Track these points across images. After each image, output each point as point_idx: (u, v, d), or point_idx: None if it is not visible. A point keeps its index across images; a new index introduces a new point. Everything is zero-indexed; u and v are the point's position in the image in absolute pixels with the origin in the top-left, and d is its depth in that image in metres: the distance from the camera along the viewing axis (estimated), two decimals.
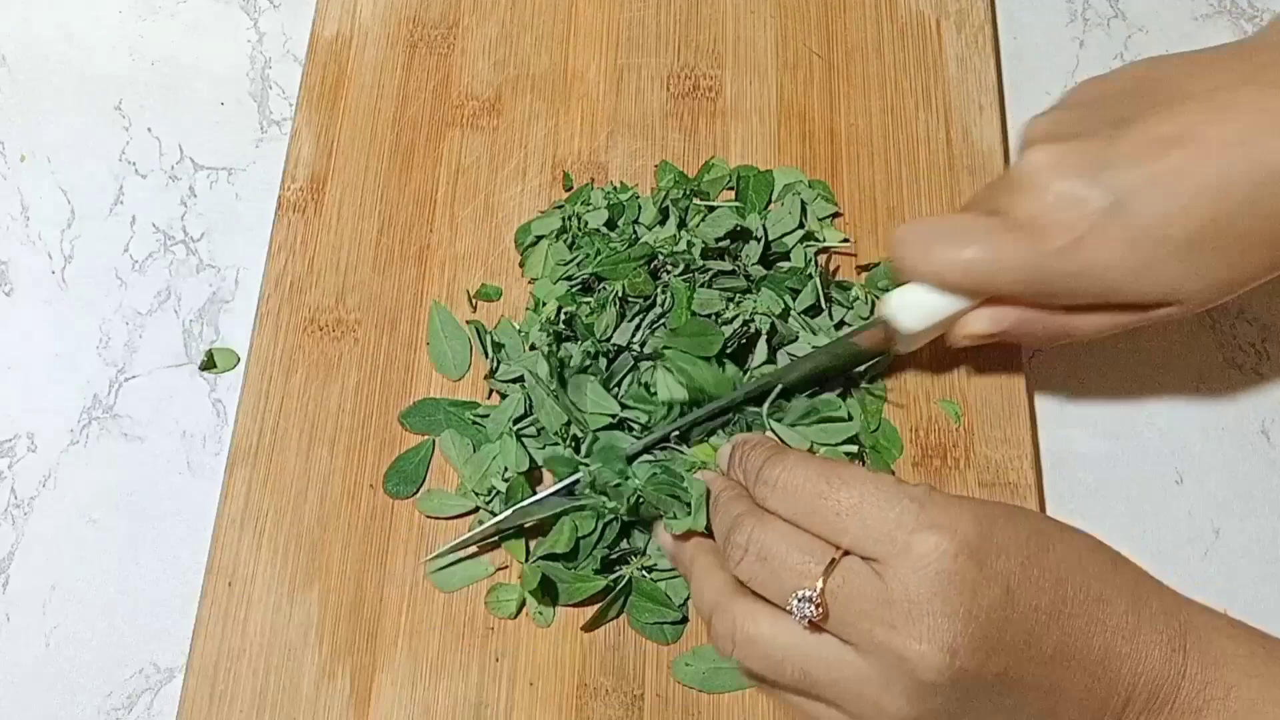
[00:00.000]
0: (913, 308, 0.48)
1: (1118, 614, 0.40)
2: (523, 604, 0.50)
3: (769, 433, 0.50)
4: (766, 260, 0.55)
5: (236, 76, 0.64)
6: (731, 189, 0.57)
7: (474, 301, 0.56)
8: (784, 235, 0.55)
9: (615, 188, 0.57)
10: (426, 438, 0.53)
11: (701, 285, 0.53)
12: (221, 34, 0.65)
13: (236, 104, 0.63)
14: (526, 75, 0.61)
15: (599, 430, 0.50)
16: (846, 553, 0.40)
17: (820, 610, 0.39)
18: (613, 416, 0.50)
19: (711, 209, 0.56)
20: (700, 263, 0.53)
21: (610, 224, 0.55)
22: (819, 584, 0.39)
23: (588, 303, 0.52)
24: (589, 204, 0.56)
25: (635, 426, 0.51)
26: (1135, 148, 0.43)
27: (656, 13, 0.62)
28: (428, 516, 0.52)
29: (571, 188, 0.58)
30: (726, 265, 0.53)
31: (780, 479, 0.42)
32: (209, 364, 0.56)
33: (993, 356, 0.54)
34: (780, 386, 0.50)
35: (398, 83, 0.61)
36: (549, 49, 0.62)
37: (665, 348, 0.51)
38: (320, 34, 0.62)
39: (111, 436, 0.55)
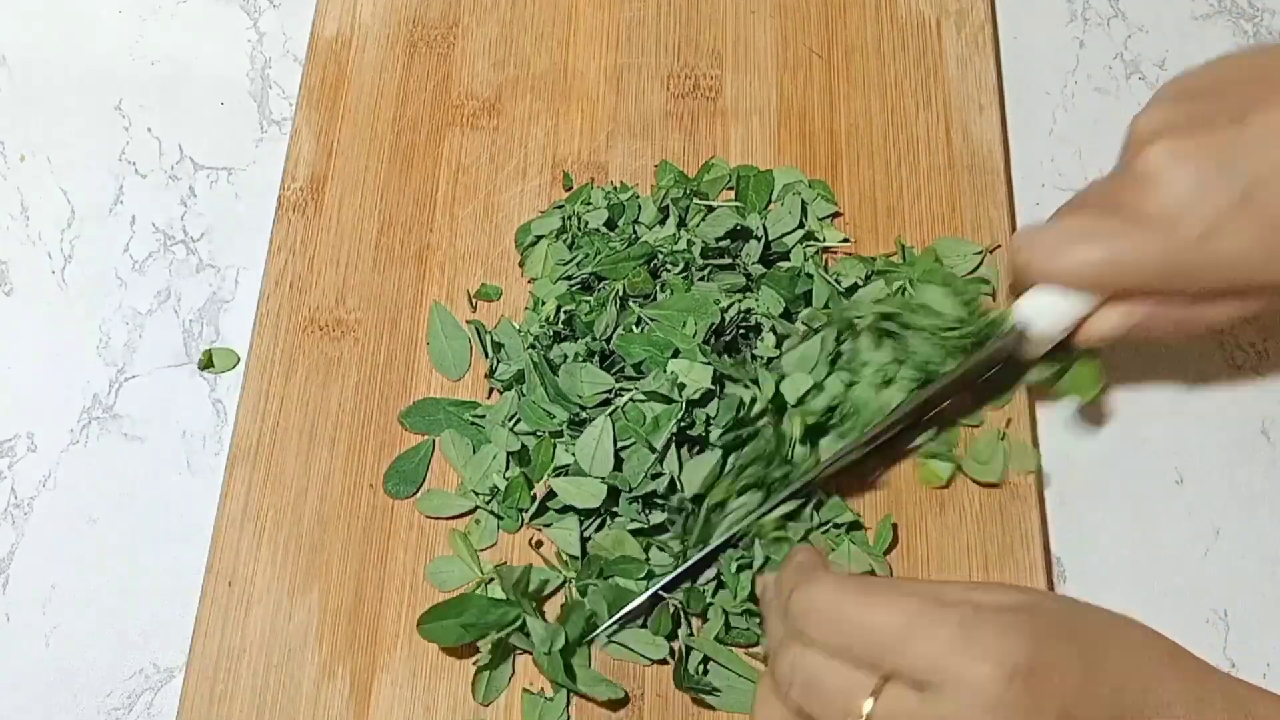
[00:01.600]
0: (1046, 313, 0.48)
1: (1181, 713, 0.38)
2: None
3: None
4: (766, 260, 0.55)
5: (236, 76, 0.64)
6: (731, 189, 0.57)
7: (474, 301, 0.56)
8: (784, 235, 0.55)
9: (615, 187, 0.57)
10: (426, 438, 0.53)
11: (700, 280, 0.52)
12: (221, 34, 0.65)
13: (236, 104, 0.63)
14: (526, 75, 0.61)
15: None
16: (891, 677, 0.38)
17: None
18: (608, 391, 0.50)
19: (711, 209, 0.56)
20: (700, 261, 0.53)
21: (610, 224, 0.55)
22: (867, 704, 0.38)
23: (587, 301, 0.52)
24: (589, 204, 0.56)
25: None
26: (1259, 137, 0.44)
27: (656, 13, 0.62)
28: (428, 517, 0.52)
29: (571, 187, 0.58)
30: (726, 262, 0.53)
31: (813, 608, 0.40)
32: (207, 363, 0.56)
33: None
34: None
35: (398, 83, 0.61)
36: (549, 49, 0.62)
37: (652, 317, 0.51)
38: (320, 34, 0.62)
39: (111, 436, 0.55)
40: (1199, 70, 0.48)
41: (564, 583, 0.50)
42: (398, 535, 0.51)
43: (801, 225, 0.56)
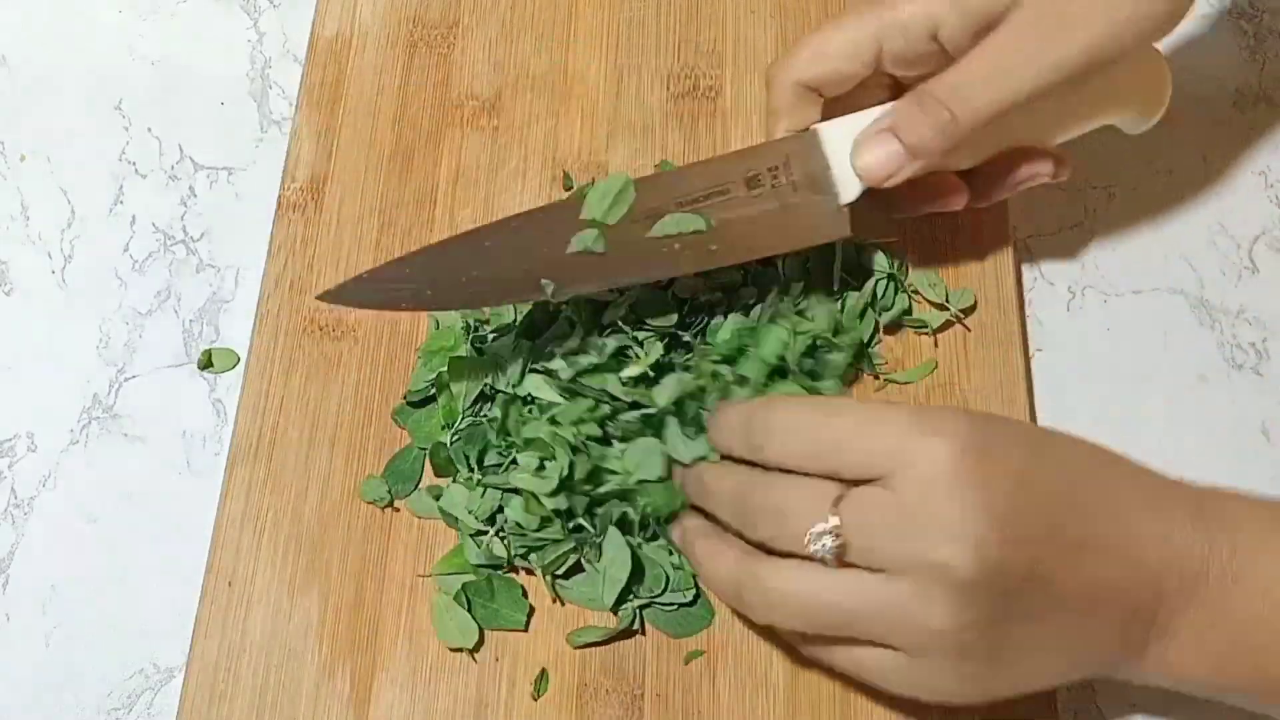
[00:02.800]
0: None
1: (1132, 498, 0.40)
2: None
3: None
4: (766, 260, 0.55)
5: (236, 76, 0.64)
6: None
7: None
8: None
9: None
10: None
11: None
12: (221, 34, 0.65)
13: (236, 104, 0.63)
14: (526, 75, 0.61)
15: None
16: (854, 483, 0.40)
17: (840, 541, 0.39)
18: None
19: None
20: None
21: None
22: (832, 518, 0.39)
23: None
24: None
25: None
26: None
27: (656, 13, 0.62)
28: (418, 516, 0.52)
29: (571, 187, 0.58)
30: None
31: (773, 423, 0.42)
32: (207, 363, 0.57)
33: (993, 353, 0.54)
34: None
35: (398, 83, 0.61)
36: (549, 49, 0.62)
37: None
38: (320, 34, 0.62)
39: (111, 436, 0.55)
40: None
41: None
42: (398, 535, 0.51)
43: None
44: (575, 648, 0.49)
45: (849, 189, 0.48)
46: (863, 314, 0.53)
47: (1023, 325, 0.55)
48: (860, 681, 0.43)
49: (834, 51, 0.47)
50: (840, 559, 0.39)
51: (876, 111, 0.47)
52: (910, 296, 0.54)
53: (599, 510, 0.49)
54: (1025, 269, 0.58)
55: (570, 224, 0.48)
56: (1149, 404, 0.55)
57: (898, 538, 0.38)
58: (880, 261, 0.54)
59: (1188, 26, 0.63)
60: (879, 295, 0.53)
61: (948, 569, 0.37)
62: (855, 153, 0.47)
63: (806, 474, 0.41)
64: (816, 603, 0.40)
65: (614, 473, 0.48)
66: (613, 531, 0.48)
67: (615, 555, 0.48)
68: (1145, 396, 0.55)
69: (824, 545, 0.39)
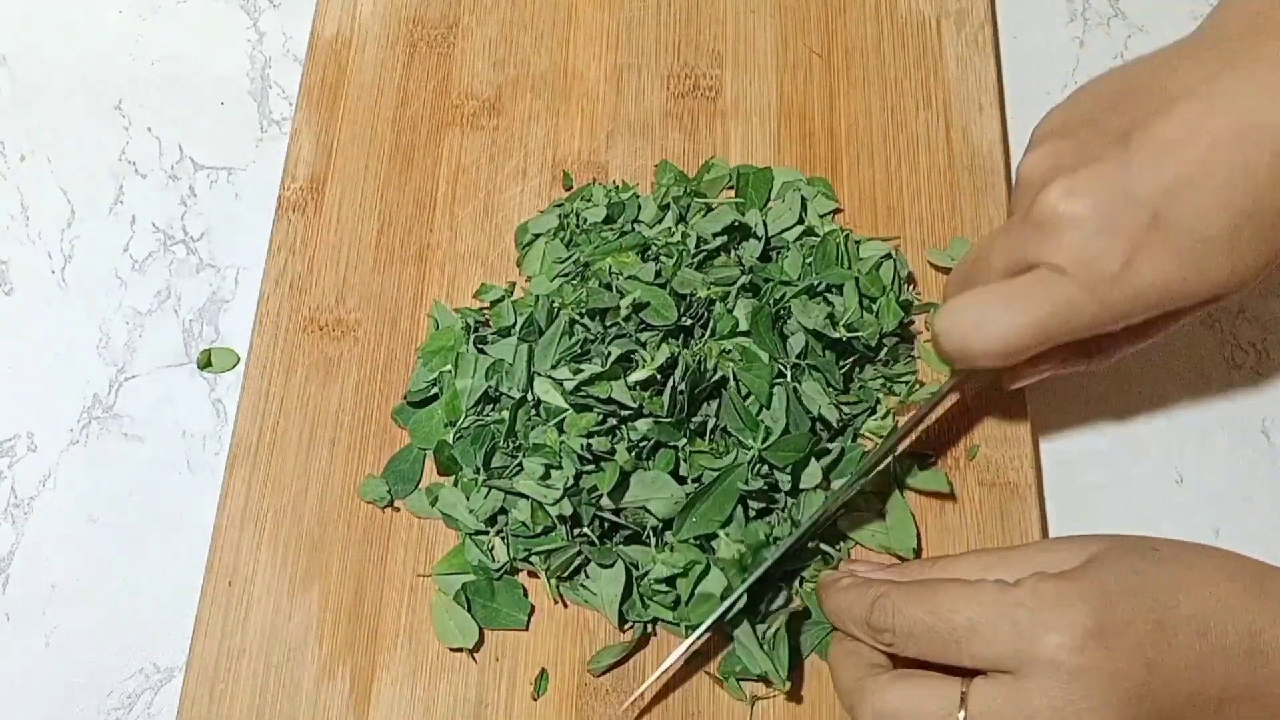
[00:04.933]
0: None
1: (1275, 636, 0.39)
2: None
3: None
4: (766, 257, 0.55)
5: (236, 76, 0.64)
6: (731, 188, 0.57)
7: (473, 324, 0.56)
8: (783, 230, 0.55)
9: (617, 186, 0.57)
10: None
11: (688, 266, 0.52)
12: (221, 34, 0.65)
13: (236, 104, 0.63)
14: (526, 75, 0.61)
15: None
16: (974, 675, 0.39)
17: None
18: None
19: (711, 208, 0.56)
20: (693, 250, 0.53)
21: (609, 220, 0.55)
22: (961, 717, 0.39)
23: (572, 283, 0.53)
24: (589, 200, 0.56)
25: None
26: (1150, 159, 0.43)
27: (656, 13, 0.62)
28: (418, 517, 0.52)
29: (571, 187, 0.58)
30: (718, 254, 0.53)
31: (897, 622, 0.42)
32: (206, 363, 0.57)
33: None
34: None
35: (398, 83, 0.61)
36: (549, 49, 0.62)
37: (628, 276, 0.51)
38: (320, 34, 0.62)
39: (111, 436, 0.55)
40: (1069, 103, 0.48)
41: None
42: (398, 535, 0.51)
43: (801, 221, 0.56)
44: (597, 674, 0.49)
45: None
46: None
47: None
48: None
49: (1017, 352, 0.46)
50: None
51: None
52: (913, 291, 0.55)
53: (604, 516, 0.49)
54: None
55: None
56: (1149, 404, 0.55)
57: None
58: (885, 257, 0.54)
59: (1188, 25, 0.63)
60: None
61: None
62: (1011, 376, 0.49)
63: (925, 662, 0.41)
64: None
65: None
66: (613, 551, 0.49)
67: (613, 574, 0.48)
68: (1145, 396, 0.55)
69: None
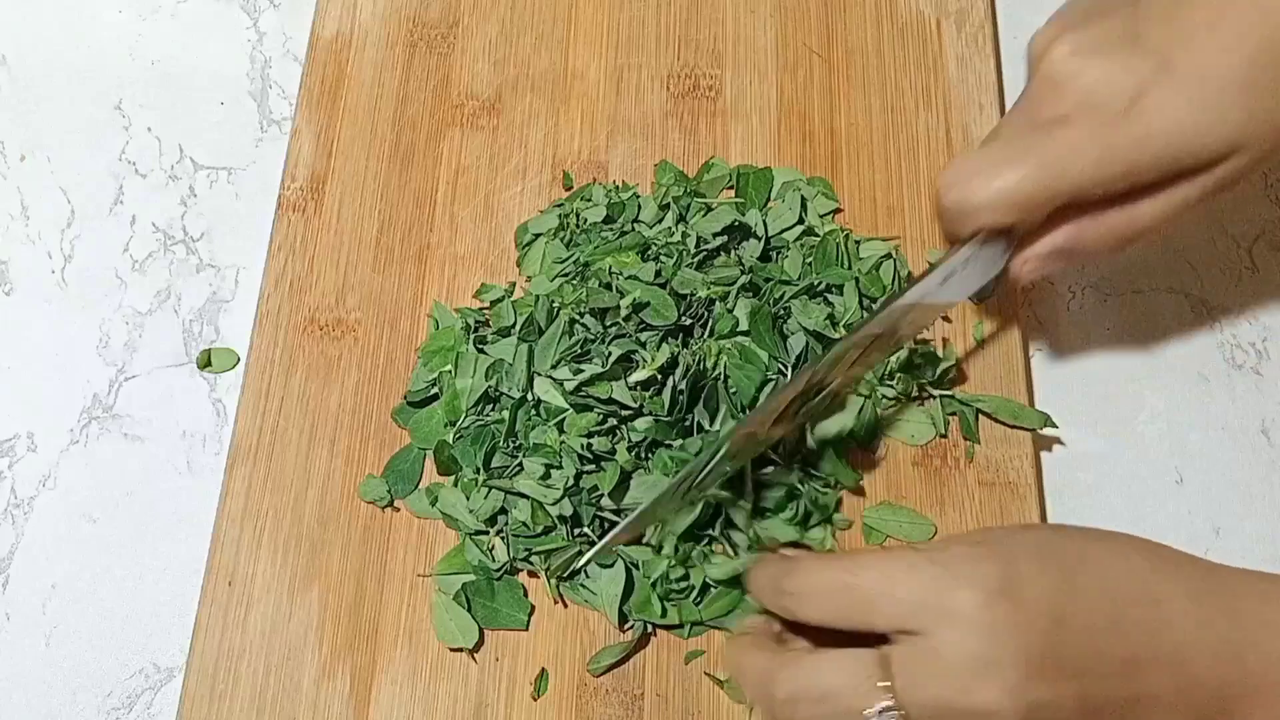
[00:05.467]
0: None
1: (1180, 607, 0.39)
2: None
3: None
4: (766, 256, 0.55)
5: (236, 76, 0.64)
6: (731, 188, 0.57)
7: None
8: (783, 230, 0.55)
9: (617, 186, 0.57)
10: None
11: (688, 266, 0.52)
12: (221, 34, 0.65)
13: (236, 104, 0.63)
14: (526, 75, 0.61)
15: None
16: (886, 640, 0.39)
17: (902, 713, 0.38)
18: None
19: (711, 208, 0.56)
20: (693, 250, 0.53)
21: (609, 220, 0.55)
22: (881, 684, 0.38)
23: (572, 283, 0.52)
24: (589, 200, 0.56)
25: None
26: (1161, 9, 0.42)
27: (656, 13, 0.62)
28: (417, 517, 0.52)
29: (571, 187, 0.58)
30: (718, 254, 0.53)
31: (801, 586, 0.41)
32: (206, 363, 0.57)
33: (993, 353, 0.54)
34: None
35: (398, 83, 0.61)
36: (549, 49, 0.62)
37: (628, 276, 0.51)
38: (320, 34, 0.62)
39: (111, 436, 0.55)
40: None
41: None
42: (398, 535, 0.51)
43: (801, 221, 0.56)
44: (597, 674, 0.49)
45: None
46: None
47: (1023, 325, 0.55)
48: None
49: (1020, 203, 0.44)
50: None
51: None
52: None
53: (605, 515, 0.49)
54: None
55: None
56: (1149, 404, 0.55)
57: (949, 694, 0.38)
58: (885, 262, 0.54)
59: None
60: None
61: (995, 715, 0.37)
62: (1019, 264, 0.47)
63: (838, 632, 0.41)
64: None
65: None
66: (613, 551, 0.49)
67: (613, 574, 0.48)
68: (1145, 396, 0.55)
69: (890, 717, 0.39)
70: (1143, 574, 0.40)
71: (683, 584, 0.48)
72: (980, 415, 0.52)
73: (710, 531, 0.49)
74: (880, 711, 0.38)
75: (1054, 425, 0.52)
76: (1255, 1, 0.41)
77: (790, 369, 0.50)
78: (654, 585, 0.48)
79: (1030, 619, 0.38)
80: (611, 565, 0.49)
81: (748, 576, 0.45)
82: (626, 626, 0.49)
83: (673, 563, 0.48)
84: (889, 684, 0.38)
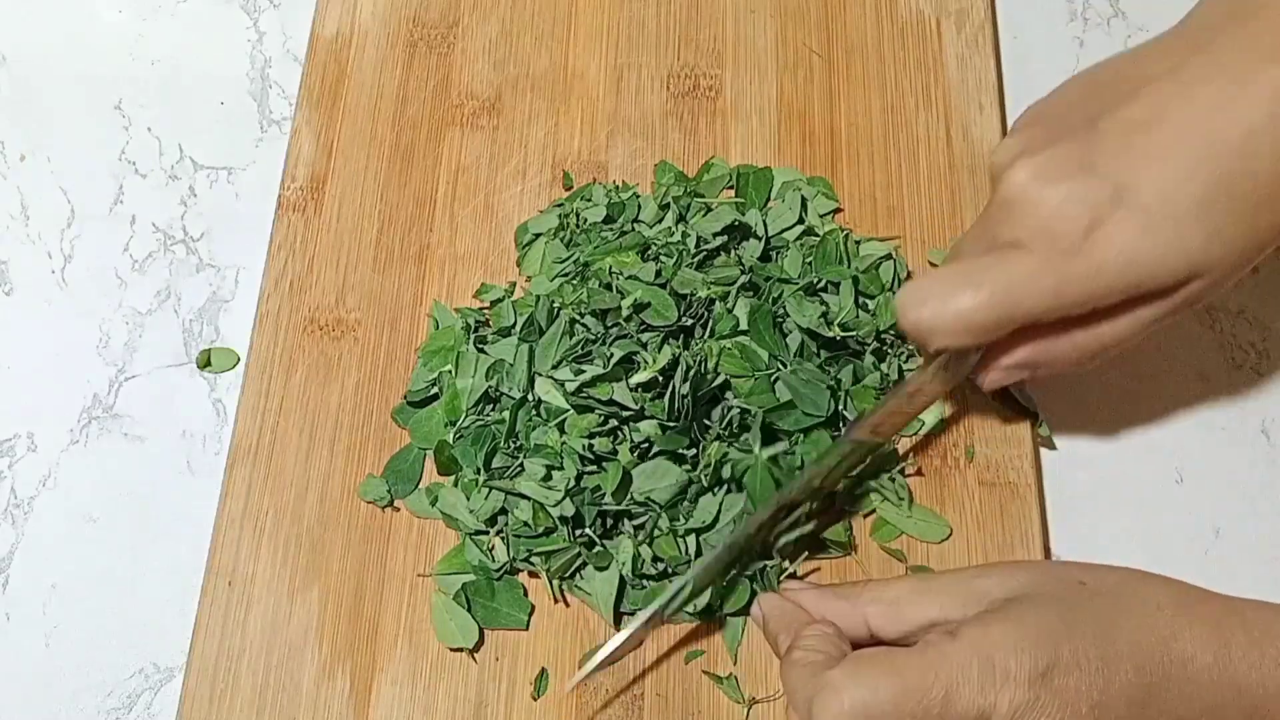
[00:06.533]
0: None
1: (1205, 665, 0.40)
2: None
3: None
4: (766, 257, 0.55)
5: (236, 76, 0.64)
6: (731, 188, 0.57)
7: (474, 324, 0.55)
8: (783, 231, 0.55)
9: (617, 186, 0.57)
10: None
11: (688, 266, 0.52)
12: (221, 34, 0.65)
13: (236, 104, 0.63)
14: (526, 75, 0.61)
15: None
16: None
17: None
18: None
19: (710, 208, 0.56)
20: (693, 250, 0.53)
21: (609, 220, 0.55)
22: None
23: (572, 283, 0.52)
24: (589, 199, 0.56)
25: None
26: (1117, 137, 0.42)
27: (656, 13, 0.62)
28: (417, 517, 0.52)
29: (571, 187, 0.58)
30: (719, 254, 0.53)
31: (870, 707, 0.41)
32: (205, 363, 0.57)
33: None
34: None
35: (398, 82, 0.61)
36: (549, 49, 0.62)
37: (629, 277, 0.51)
38: (320, 34, 0.62)
39: (111, 436, 0.55)
40: (1042, 100, 0.47)
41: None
42: (398, 535, 0.51)
43: (801, 221, 0.56)
44: (588, 675, 0.49)
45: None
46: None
47: None
48: None
49: (976, 328, 0.44)
50: None
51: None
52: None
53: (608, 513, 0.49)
54: None
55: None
56: (1149, 404, 0.55)
57: None
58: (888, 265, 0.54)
59: None
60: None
61: None
62: (985, 373, 0.47)
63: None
64: None
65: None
66: (608, 552, 0.49)
67: (608, 575, 0.48)
68: (1145, 396, 0.55)
69: None
70: (1170, 626, 0.41)
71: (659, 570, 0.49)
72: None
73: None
74: None
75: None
76: (1209, 129, 0.41)
77: (790, 368, 0.50)
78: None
79: (1074, 700, 0.40)
80: (606, 567, 0.49)
81: (768, 635, 0.47)
82: (623, 627, 0.49)
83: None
84: None
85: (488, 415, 0.51)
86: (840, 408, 0.50)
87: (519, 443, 0.50)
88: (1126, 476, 0.54)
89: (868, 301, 0.53)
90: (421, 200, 0.58)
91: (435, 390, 0.53)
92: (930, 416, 0.52)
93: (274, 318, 0.55)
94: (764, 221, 0.55)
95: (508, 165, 0.59)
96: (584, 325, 0.51)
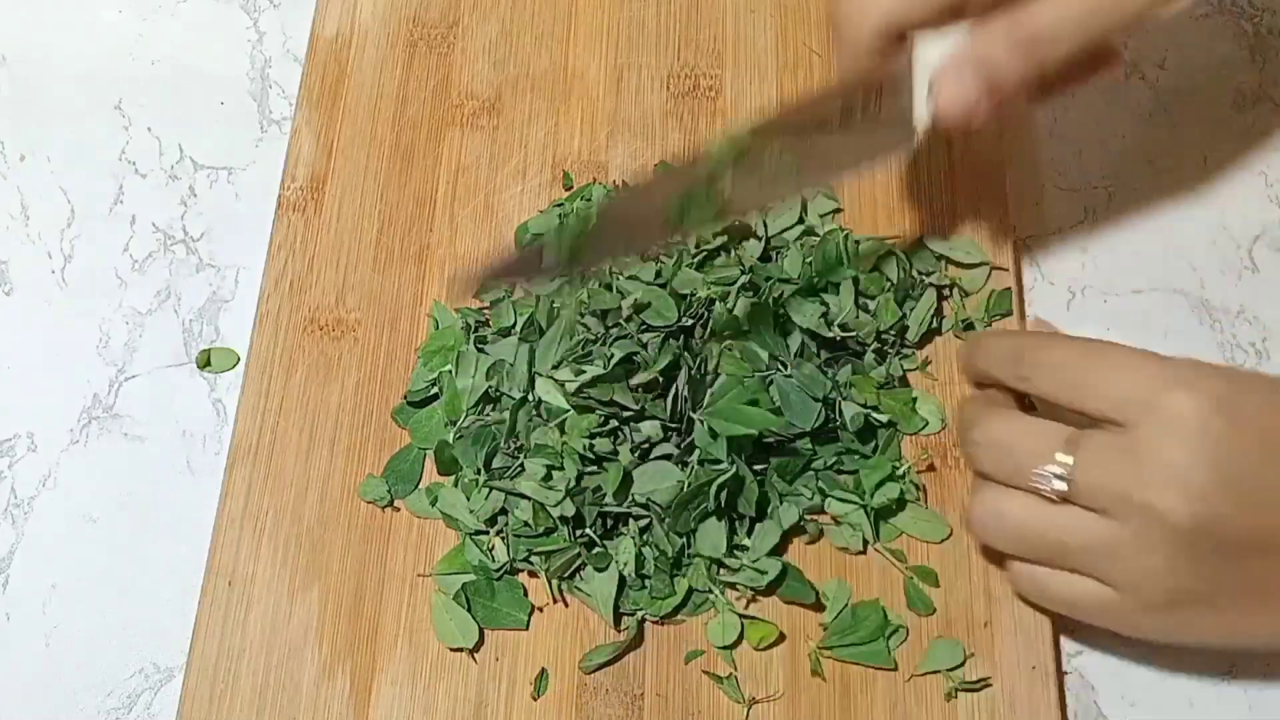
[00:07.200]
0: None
1: None
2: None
3: None
4: (766, 257, 0.55)
5: (236, 76, 0.64)
6: None
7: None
8: (783, 231, 0.55)
9: (617, 187, 0.57)
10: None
11: (688, 266, 0.52)
12: (221, 34, 0.65)
13: (236, 104, 0.63)
14: (526, 75, 0.61)
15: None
16: (1091, 425, 0.40)
17: (1068, 482, 0.40)
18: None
19: None
20: (694, 250, 0.53)
21: None
22: (1061, 456, 0.40)
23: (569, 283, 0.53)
24: (589, 200, 0.56)
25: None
26: None
27: (656, 13, 0.62)
28: (417, 517, 0.52)
29: (571, 187, 0.58)
30: (718, 254, 0.53)
31: (1042, 359, 0.43)
32: (205, 363, 0.57)
33: None
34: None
35: (398, 82, 0.61)
36: (549, 49, 0.62)
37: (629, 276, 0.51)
38: (320, 33, 0.62)
39: (111, 436, 0.55)
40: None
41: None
42: (398, 535, 0.51)
43: (801, 221, 0.56)
44: (588, 672, 0.49)
45: (923, 119, 0.46)
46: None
47: (1023, 325, 0.55)
48: (1071, 616, 0.44)
49: None
50: (1063, 496, 0.40)
51: (955, 37, 0.43)
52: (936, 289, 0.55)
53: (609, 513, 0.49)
54: (1025, 269, 0.58)
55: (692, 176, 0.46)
56: None
57: (1126, 483, 0.38)
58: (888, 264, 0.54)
59: (1188, 26, 0.63)
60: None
61: (1169, 515, 0.38)
62: (935, 92, 0.44)
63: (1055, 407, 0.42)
64: (1036, 534, 0.41)
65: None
66: (615, 547, 0.49)
67: (607, 575, 0.48)
68: None
69: (1049, 484, 0.40)
70: None
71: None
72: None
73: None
74: (1050, 475, 0.40)
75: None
76: None
77: (790, 369, 0.50)
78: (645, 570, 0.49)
79: (1242, 444, 0.38)
80: (605, 569, 0.49)
81: (972, 345, 0.48)
82: (623, 627, 0.49)
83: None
84: (1070, 459, 0.40)
85: (488, 415, 0.51)
86: (832, 413, 0.50)
87: (519, 443, 0.50)
88: None
89: (868, 301, 0.53)
90: (421, 200, 0.58)
91: (435, 390, 0.53)
92: (931, 417, 0.52)
93: (274, 318, 0.55)
94: (764, 221, 0.55)
95: (508, 165, 0.59)
96: (584, 325, 0.51)
